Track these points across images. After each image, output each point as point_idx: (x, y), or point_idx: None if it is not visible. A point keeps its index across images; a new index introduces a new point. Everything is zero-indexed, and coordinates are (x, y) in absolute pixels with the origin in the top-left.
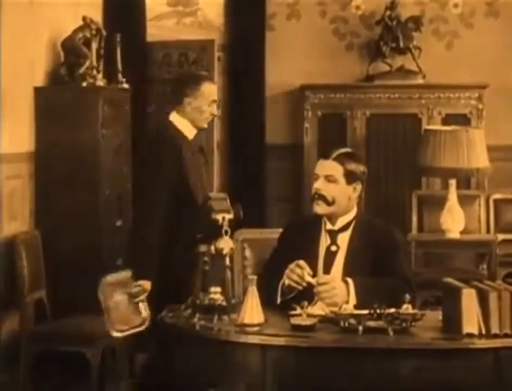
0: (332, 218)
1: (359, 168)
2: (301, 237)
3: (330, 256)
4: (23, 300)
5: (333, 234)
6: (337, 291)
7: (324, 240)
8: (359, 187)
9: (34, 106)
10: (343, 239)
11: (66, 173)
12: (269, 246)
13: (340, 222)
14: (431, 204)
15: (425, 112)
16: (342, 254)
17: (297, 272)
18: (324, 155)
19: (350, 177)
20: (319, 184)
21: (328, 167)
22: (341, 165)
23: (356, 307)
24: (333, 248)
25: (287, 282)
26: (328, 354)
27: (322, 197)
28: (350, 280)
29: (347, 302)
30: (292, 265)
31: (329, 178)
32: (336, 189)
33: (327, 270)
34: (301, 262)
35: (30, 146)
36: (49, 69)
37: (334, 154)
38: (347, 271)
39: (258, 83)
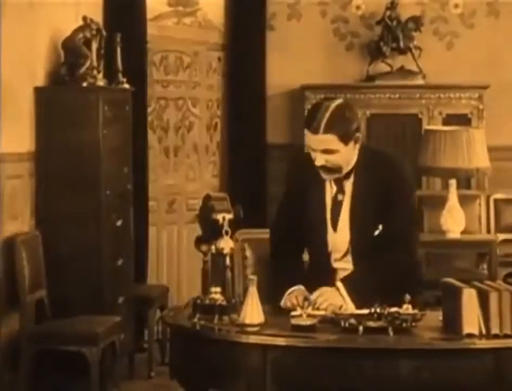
0: None
1: (352, 125)
2: (307, 182)
3: (337, 206)
4: (23, 300)
5: (338, 182)
6: (330, 294)
7: (329, 189)
8: (358, 138)
9: (34, 106)
10: (348, 186)
11: (67, 173)
12: (269, 246)
13: (345, 170)
14: (431, 204)
15: (425, 112)
16: (348, 202)
17: (298, 300)
18: (310, 127)
19: (347, 138)
20: (320, 161)
21: (322, 142)
22: (333, 134)
23: (357, 306)
24: (340, 197)
25: (288, 304)
26: (329, 354)
27: (328, 169)
28: (339, 284)
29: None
30: (292, 293)
31: (328, 151)
32: (338, 157)
33: (334, 220)
34: (301, 290)
35: (30, 146)
36: (49, 69)
37: (322, 126)
38: (353, 218)
39: (259, 83)
